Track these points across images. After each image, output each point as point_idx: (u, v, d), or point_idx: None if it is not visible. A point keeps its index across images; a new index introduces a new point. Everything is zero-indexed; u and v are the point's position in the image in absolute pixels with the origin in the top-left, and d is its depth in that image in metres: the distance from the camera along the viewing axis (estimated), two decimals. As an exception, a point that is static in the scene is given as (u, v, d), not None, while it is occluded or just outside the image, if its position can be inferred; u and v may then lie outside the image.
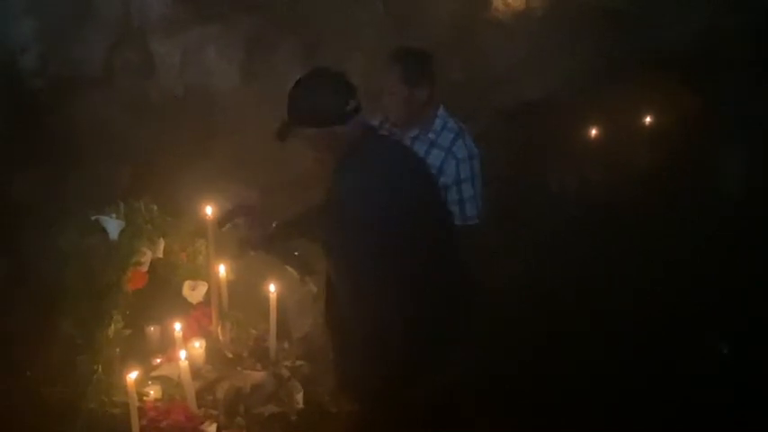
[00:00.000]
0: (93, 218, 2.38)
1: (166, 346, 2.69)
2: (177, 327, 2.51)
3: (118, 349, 2.28)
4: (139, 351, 2.61)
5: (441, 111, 2.73)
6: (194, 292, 2.91)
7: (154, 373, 2.58)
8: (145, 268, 2.53)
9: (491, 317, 2.28)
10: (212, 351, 2.77)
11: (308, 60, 3.52)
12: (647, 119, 4.74)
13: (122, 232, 2.40)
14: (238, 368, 2.77)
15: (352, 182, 1.98)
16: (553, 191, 4.30)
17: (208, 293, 2.89)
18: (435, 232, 2.08)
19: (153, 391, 2.46)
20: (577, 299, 3.47)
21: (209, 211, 2.68)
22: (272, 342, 2.83)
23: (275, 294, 2.74)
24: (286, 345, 2.94)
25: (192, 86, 3.29)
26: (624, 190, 4.28)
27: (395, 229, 1.91)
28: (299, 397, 2.71)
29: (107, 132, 2.94)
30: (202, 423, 2.38)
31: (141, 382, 2.34)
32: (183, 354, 2.35)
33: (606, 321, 3.28)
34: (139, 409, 2.21)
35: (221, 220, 2.36)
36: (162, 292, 2.72)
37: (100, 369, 2.18)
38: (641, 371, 3.03)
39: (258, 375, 2.73)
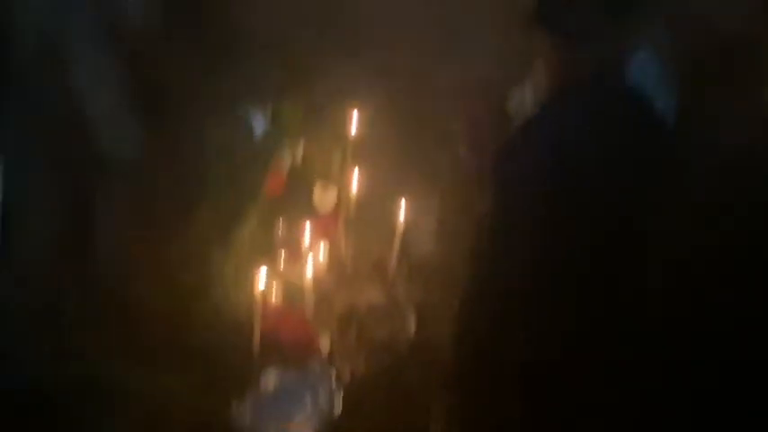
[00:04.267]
0: (239, 115, 2.35)
1: (292, 246, 2.72)
2: (307, 233, 2.51)
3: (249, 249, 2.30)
4: (266, 247, 2.66)
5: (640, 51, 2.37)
6: (325, 196, 2.88)
7: (278, 274, 2.62)
8: (285, 171, 2.50)
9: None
10: (334, 258, 2.78)
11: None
12: None
13: (265, 134, 2.36)
14: (357, 282, 2.78)
15: (543, 128, 1.73)
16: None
17: (337, 200, 2.86)
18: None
19: (275, 293, 2.51)
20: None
21: (354, 115, 2.58)
22: (392, 261, 2.79)
23: (403, 214, 2.67)
24: (405, 267, 2.89)
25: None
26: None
27: None
28: (412, 326, 2.69)
29: (262, 24, 2.84)
30: (317, 337, 2.41)
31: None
32: (309, 265, 2.34)
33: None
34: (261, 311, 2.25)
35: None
36: (295, 195, 2.70)
37: (232, 267, 2.23)
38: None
39: (375, 296, 2.72)
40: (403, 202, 2.65)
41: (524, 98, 2.46)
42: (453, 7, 3.22)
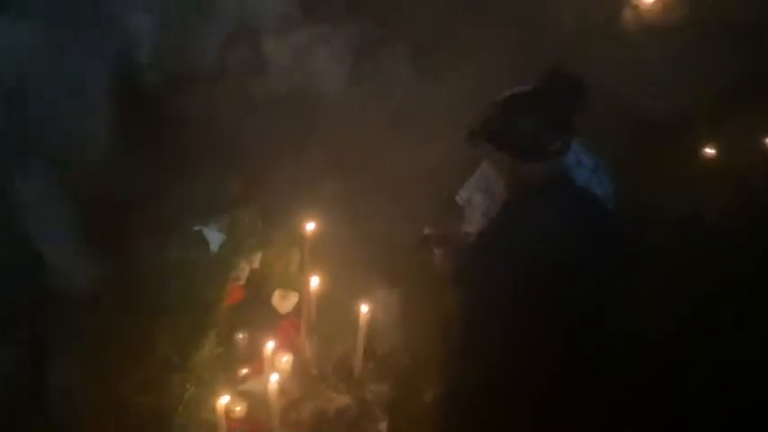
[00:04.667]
0: (196, 229, 2.35)
1: (253, 354, 2.68)
2: (270, 345, 2.47)
3: (210, 369, 2.25)
4: (227, 358, 2.61)
5: (573, 145, 2.51)
6: (284, 302, 2.88)
7: (241, 387, 2.56)
8: (242, 282, 2.49)
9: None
10: (298, 365, 2.74)
11: (418, 62, 3.37)
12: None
13: (223, 245, 2.35)
14: (322, 387, 2.73)
15: (511, 229, 1.79)
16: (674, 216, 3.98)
17: (297, 305, 2.85)
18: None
19: (239, 407, 2.44)
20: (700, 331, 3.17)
21: (309, 226, 2.61)
22: (357, 362, 2.77)
23: (366, 315, 2.66)
24: (371, 365, 2.87)
25: (300, 86, 3.21)
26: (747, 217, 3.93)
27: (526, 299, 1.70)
28: (383, 427, 2.65)
29: (215, 131, 2.90)
30: (287, 449, 2.34)
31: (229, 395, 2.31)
32: (273, 377, 2.30)
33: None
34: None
35: (418, 244, 2.23)
36: (254, 302, 2.68)
37: (192, 388, 2.16)
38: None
39: (342, 399, 2.68)
40: (364, 301, 2.65)
41: (471, 193, 2.55)
42: (404, 107, 3.38)
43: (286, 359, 2.67)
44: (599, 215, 1.89)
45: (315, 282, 2.75)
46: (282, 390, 2.54)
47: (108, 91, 2.61)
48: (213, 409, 2.15)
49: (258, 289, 2.76)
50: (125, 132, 2.44)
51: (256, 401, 2.51)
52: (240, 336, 2.69)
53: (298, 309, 2.84)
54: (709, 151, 4.26)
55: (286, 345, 2.75)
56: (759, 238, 3.77)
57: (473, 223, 2.40)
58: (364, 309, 2.65)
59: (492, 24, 3.61)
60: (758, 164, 4.30)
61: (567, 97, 2.13)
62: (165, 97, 2.76)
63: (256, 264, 2.67)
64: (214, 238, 2.38)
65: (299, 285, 2.84)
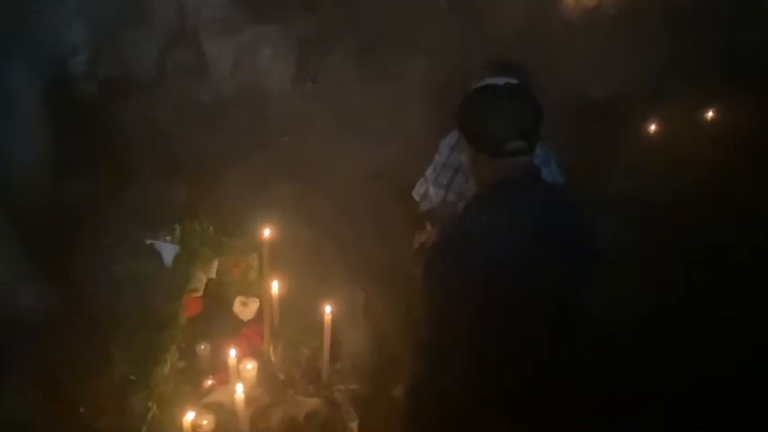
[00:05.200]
0: (148, 242, 2.26)
1: (217, 365, 2.61)
2: (232, 353, 2.42)
3: (172, 384, 2.18)
4: (190, 371, 2.54)
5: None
6: (246, 308, 2.82)
7: (206, 399, 2.50)
8: (200, 293, 2.42)
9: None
10: (264, 372, 2.68)
11: (365, 61, 3.34)
12: (716, 121, 4.46)
13: (177, 257, 2.28)
14: (291, 391, 2.69)
15: (467, 227, 1.77)
16: (616, 194, 4.08)
17: (260, 311, 2.79)
18: (538, 320, 1.74)
19: (206, 421, 2.38)
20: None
21: (266, 232, 2.55)
22: (324, 364, 2.73)
23: (329, 317, 2.63)
24: (338, 366, 2.84)
25: (244, 88, 3.14)
26: (690, 192, 4.05)
27: (481, 300, 1.68)
28: (354, 425, 2.62)
29: (158, 138, 2.81)
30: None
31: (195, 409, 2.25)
32: (239, 388, 2.24)
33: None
34: (195, 445, 2.12)
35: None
36: (214, 311, 2.61)
37: (154, 407, 2.09)
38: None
39: (311, 402, 2.64)
40: (327, 303, 2.61)
41: (426, 187, 2.54)
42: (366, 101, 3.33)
43: (251, 366, 2.61)
44: (569, 209, 1.86)
45: (275, 287, 2.70)
46: (250, 398, 2.49)
47: (43, 103, 2.50)
48: (179, 427, 2.08)
49: (218, 298, 2.69)
50: (63, 145, 2.33)
51: (224, 413, 2.45)
52: (202, 347, 2.62)
53: (260, 315, 2.78)
54: (652, 127, 4.40)
55: (250, 352, 2.69)
56: (702, 210, 3.89)
57: (429, 216, 2.39)
58: (328, 310, 2.62)
59: (438, 19, 3.61)
60: (697, 136, 4.46)
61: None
62: (103, 106, 2.65)
63: (213, 273, 2.60)
64: (167, 250, 2.30)
65: (260, 291, 2.78)
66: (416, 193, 2.69)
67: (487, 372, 1.67)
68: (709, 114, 4.47)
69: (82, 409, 2.08)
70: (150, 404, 2.10)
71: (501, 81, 1.77)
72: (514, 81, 1.79)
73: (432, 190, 2.37)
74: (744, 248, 3.55)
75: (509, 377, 1.68)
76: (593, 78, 3.86)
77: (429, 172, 2.60)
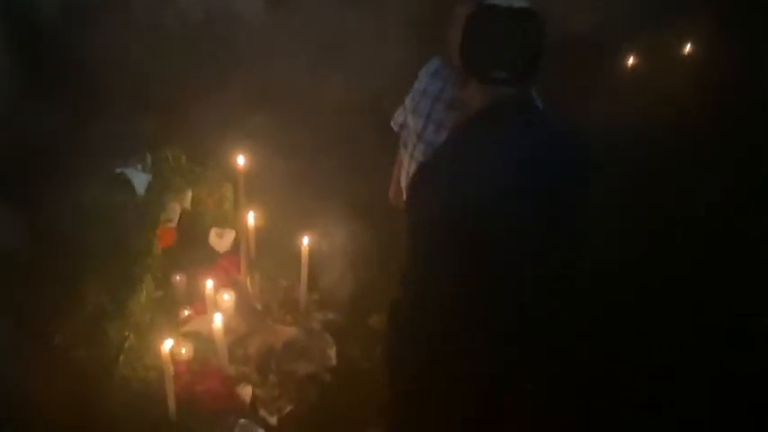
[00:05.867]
0: (117, 171, 2.20)
1: (194, 295, 2.61)
2: (209, 284, 2.41)
3: (149, 314, 2.17)
4: (167, 301, 2.54)
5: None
6: (221, 240, 2.81)
7: (184, 329, 2.50)
8: (174, 224, 2.38)
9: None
10: (241, 302, 2.69)
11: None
12: (692, 56, 4.45)
13: (150, 187, 2.23)
14: (268, 321, 2.71)
15: (447, 154, 1.70)
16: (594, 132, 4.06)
17: (236, 242, 2.78)
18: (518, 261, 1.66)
19: (185, 349, 2.39)
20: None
21: (240, 160, 2.50)
22: (302, 294, 2.75)
23: (307, 248, 2.63)
24: (315, 296, 2.86)
25: (214, 12, 3.01)
26: (665, 131, 4.06)
27: (460, 231, 1.63)
28: (332, 353, 2.66)
29: (125, 65, 2.70)
30: (237, 385, 2.32)
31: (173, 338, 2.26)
32: (217, 317, 2.25)
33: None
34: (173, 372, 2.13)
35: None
36: (190, 242, 2.59)
37: (131, 336, 2.09)
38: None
39: (289, 331, 2.68)
40: (304, 234, 2.61)
41: (406, 116, 2.48)
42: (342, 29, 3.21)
43: (228, 297, 2.62)
44: (562, 143, 1.78)
45: (251, 218, 2.68)
46: (228, 328, 2.50)
47: (2, 29, 2.36)
48: (157, 355, 2.09)
49: (193, 229, 2.66)
50: (26, 74, 2.23)
51: (202, 342, 2.46)
52: (178, 278, 2.61)
53: (236, 246, 2.77)
54: (632, 61, 4.37)
55: (227, 283, 2.69)
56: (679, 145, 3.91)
57: (408, 146, 2.35)
58: (305, 241, 2.61)
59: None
60: (675, 71, 4.46)
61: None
62: (65, 34, 2.52)
63: (187, 203, 2.56)
64: (139, 179, 2.24)
65: (236, 222, 2.76)
66: (395, 123, 2.64)
67: (471, 303, 1.67)
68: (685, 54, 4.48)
69: (57, 339, 2.07)
70: (127, 333, 2.09)
71: (504, 3, 1.67)
72: (520, 5, 1.69)
73: (411, 119, 2.31)
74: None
75: (493, 309, 1.68)
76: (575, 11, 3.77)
77: (408, 100, 2.55)
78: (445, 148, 1.78)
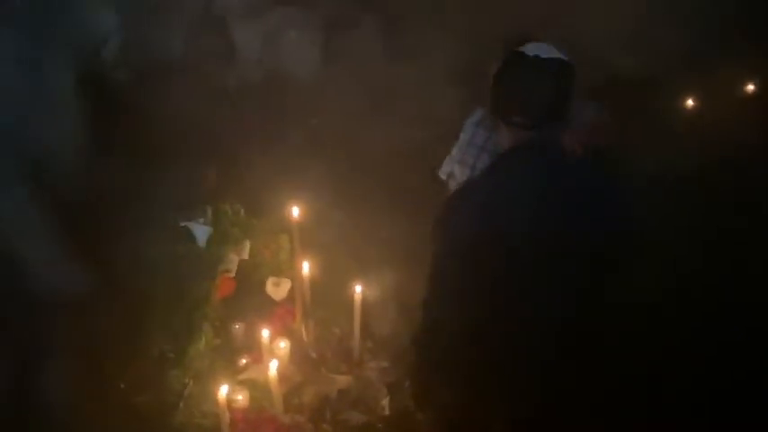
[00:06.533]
0: (182, 224, 2.32)
1: (251, 343, 2.67)
2: (265, 333, 2.47)
3: (208, 362, 2.24)
4: (225, 349, 2.60)
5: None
6: (278, 288, 2.87)
7: (241, 377, 2.56)
8: (233, 274, 2.47)
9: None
10: (296, 350, 2.74)
11: (390, 40, 3.33)
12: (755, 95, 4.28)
13: (210, 238, 2.33)
14: (323, 369, 2.74)
15: (469, 190, 1.79)
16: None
17: (291, 291, 2.84)
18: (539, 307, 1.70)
19: (241, 396, 2.44)
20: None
21: (294, 211, 2.59)
22: (355, 342, 2.77)
23: (360, 295, 2.66)
24: (369, 344, 2.87)
25: (271, 71, 3.17)
26: (728, 172, 3.91)
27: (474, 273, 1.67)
28: (385, 402, 2.66)
29: (187, 123, 2.86)
30: (292, 434, 2.34)
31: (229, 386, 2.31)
32: (273, 364, 2.30)
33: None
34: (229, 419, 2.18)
35: None
36: (247, 292, 2.66)
37: (191, 383, 2.15)
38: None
39: (343, 380, 2.69)
40: (357, 282, 2.64)
41: (452, 166, 2.53)
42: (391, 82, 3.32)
43: (284, 345, 2.66)
44: (585, 184, 1.80)
45: (306, 267, 2.74)
46: (283, 376, 2.55)
47: (76, 92, 2.56)
48: (214, 401, 2.14)
49: (250, 278, 2.75)
50: (97, 132, 2.40)
51: (258, 389, 2.51)
52: (236, 326, 2.68)
53: (292, 295, 2.83)
54: (688, 103, 4.24)
55: (283, 331, 2.75)
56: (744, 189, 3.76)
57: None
58: (358, 289, 2.65)
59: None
60: (736, 112, 4.29)
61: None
62: (134, 93, 2.71)
63: (245, 254, 2.65)
64: (200, 231, 2.35)
65: (291, 272, 2.83)
66: (443, 173, 2.69)
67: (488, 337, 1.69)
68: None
69: (123, 386, 2.16)
70: (187, 380, 2.16)
71: (532, 52, 1.73)
72: (549, 55, 1.74)
73: (457, 168, 2.36)
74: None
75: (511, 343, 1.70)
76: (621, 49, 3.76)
77: (455, 151, 2.60)
78: (467, 183, 1.84)
